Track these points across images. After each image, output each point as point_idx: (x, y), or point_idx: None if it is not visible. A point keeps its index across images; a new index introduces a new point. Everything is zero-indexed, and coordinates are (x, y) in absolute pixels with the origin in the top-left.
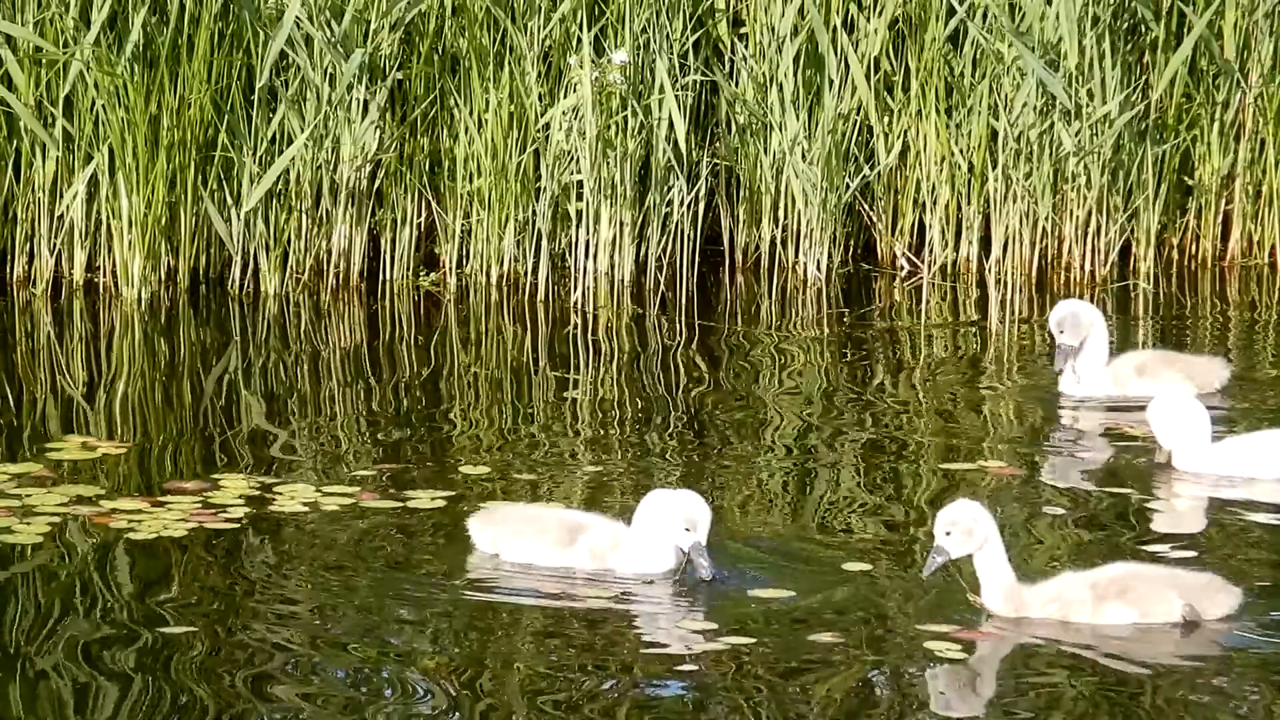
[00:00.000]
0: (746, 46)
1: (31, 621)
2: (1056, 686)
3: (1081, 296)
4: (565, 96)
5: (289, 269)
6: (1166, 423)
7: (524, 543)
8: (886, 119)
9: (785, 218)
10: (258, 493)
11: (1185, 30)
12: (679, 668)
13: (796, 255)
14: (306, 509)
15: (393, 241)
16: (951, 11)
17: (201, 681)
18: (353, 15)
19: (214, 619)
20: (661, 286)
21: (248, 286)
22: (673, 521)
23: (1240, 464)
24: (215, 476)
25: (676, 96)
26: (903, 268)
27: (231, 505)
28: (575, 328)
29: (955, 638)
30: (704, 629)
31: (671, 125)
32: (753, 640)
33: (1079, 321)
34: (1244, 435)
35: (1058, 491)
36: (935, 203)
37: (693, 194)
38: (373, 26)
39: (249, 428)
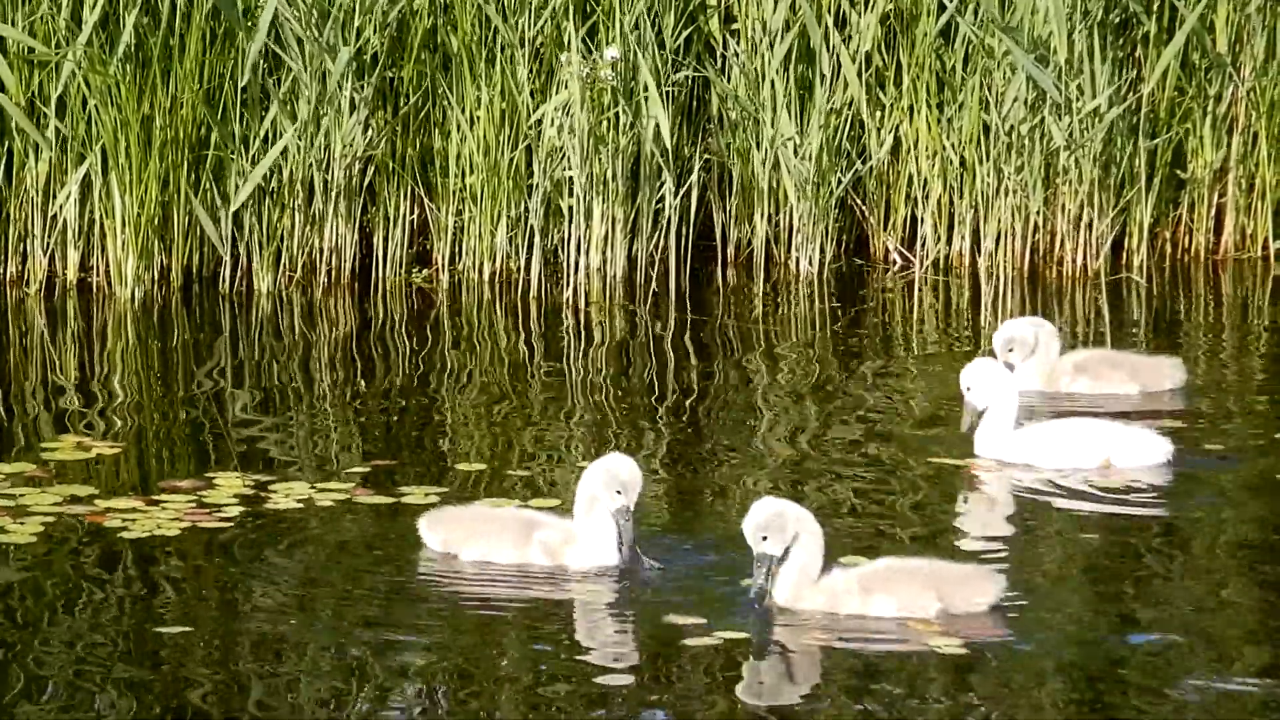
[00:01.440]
0: (738, 42)
1: (25, 622)
2: (837, 679)
3: (1074, 290)
4: (556, 93)
5: (281, 267)
6: (978, 387)
7: (481, 542)
8: (878, 114)
9: (777, 213)
10: (252, 491)
11: (1177, 24)
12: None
13: (789, 250)
14: (301, 506)
15: (385, 239)
16: (942, 7)
17: (196, 681)
18: (340, 14)
19: (209, 618)
20: (654, 282)
21: (240, 285)
22: (605, 487)
23: (1032, 453)
24: (209, 475)
25: (668, 93)
26: (895, 262)
27: (226, 504)
28: (568, 324)
29: (950, 633)
30: (694, 622)
31: (658, 124)
32: (743, 635)
33: (1026, 342)
34: (1044, 423)
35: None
36: (927, 197)
37: (684, 190)
38: (358, 24)
39: (243, 426)
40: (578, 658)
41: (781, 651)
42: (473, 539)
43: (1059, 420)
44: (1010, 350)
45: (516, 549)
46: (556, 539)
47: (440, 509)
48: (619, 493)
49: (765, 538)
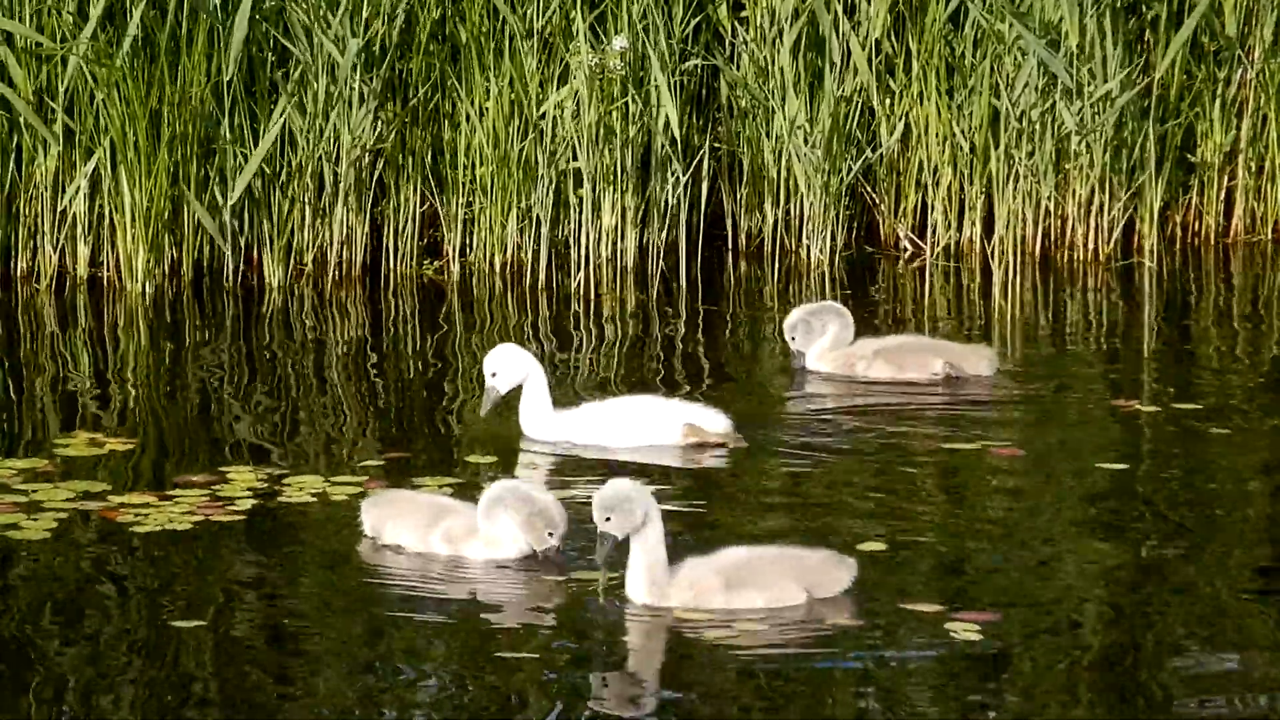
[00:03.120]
0: (747, 30)
1: (39, 618)
2: (711, 678)
3: (1085, 275)
4: (566, 83)
5: (291, 260)
6: (504, 373)
7: (394, 526)
8: (888, 101)
9: (787, 201)
10: (266, 485)
11: (1186, 8)
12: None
13: (799, 239)
14: (315, 500)
15: (395, 231)
16: None
17: (211, 676)
18: (348, 5)
19: (223, 613)
20: (664, 272)
21: (251, 279)
22: (529, 522)
23: (582, 432)
24: (223, 469)
25: (677, 82)
26: (906, 250)
27: (240, 498)
28: (578, 315)
29: (971, 619)
30: (707, 616)
31: (667, 114)
32: (764, 625)
33: (810, 323)
34: (595, 403)
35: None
36: (938, 184)
37: (690, 178)
38: (366, 15)
39: (255, 420)
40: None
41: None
42: (390, 524)
43: (610, 400)
44: (793, 338)
45: (420, 536)
46: (459, 529)
47: (380, 493)
48: (550, 534)
49: (609, 518)
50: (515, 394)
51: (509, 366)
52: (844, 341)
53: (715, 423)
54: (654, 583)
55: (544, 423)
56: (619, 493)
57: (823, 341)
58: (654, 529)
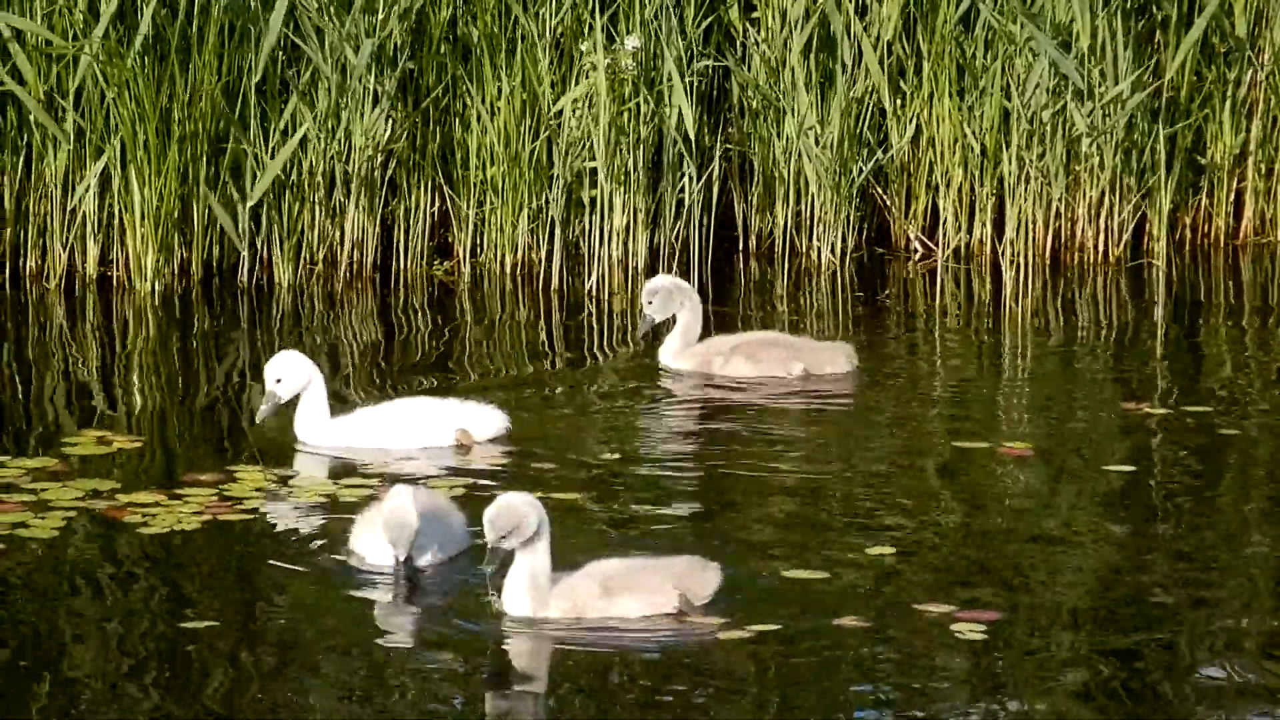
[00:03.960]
0: (758, 31)
1: (46, 616)
2: (603, 685)
3: (1095, 277)
4: (577, 84)
5: (302, 260)
6: (288, 380)
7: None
8: (899, 102)
9: (799, 202)
10: (275, 485)
11: (1196, 9)
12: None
13: (810, 240)
14: (325, 500)
15: (406, 231)
16: None
17: (219, 675)
18: (362, 5)
19: (231, 612)
20: (676, 273)
21: (261, 278)
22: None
23: (357, 437)
24: (231, 468)
25: (689, 83)
26: (916, 251)
27: (248, 498)
28: (589, 315)
29: (978, 619)
30: (723, 618)
31: (680, 114)
32: (777, 626)
33: (670, 297)
34: (369, 407)
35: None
36: (948, 185)
37: (704, 180)
38: (380, 16)
39: (264, 420)
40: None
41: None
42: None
43: (384, 404)
44: (650, 302)
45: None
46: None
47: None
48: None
49: (505, 536)
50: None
51: (292, 373)
52: (693, 330)
53: (489, 423)
54: (537, 594)
55: (320, 429)
56: (512, 506)
57: (673, 335)
58: (544, 541)
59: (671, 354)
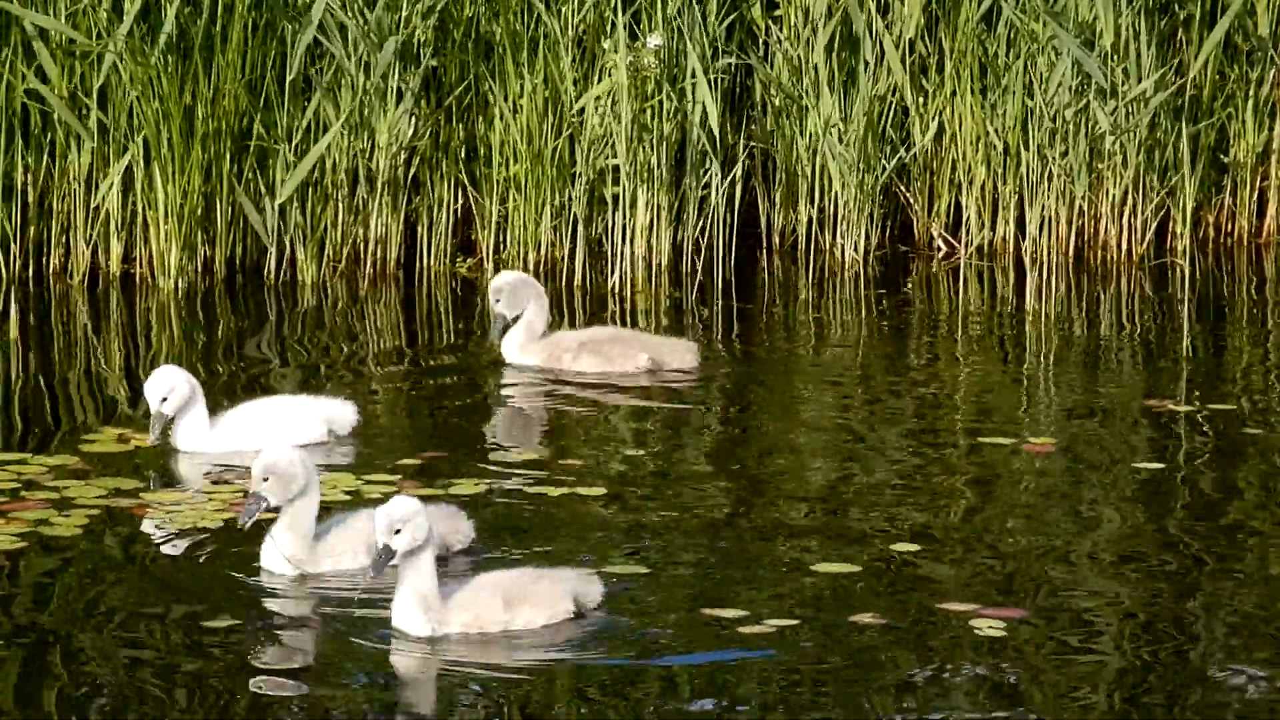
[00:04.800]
0: (781, 29)
1: (69, 614)
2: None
3: (1118, 275)
4: (600, 81)
5: (325, 258)
6: (173, 397)
7: None
8: (921, 100)
9: (821, 200)
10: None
11: (1219, 8)
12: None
13: (833, 237)
14: (348, 498)
15: (429, 228)
16: None
17: (243, 674)
18: (385, 3)
19: (254, 611)
20: (698, 270)
21: (285, 276)
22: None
23: (228, 439)
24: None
25: (712, 80)
26: (939, 249)
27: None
28: (613, 312)
29: (999, 615)
30: (742, 614)
31: (705, 111)
32: (796, 621)
33: (517, 293)
34: (235, 409)
35: None
36: (971, 183)
37: (729, 178)
38: (405, 14)
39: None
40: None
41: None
42: None
43: (249, 404)
44: (498, 300)
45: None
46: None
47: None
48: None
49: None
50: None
51: (175, 389)
52: (537, 326)
53: (344, 417)
54: (428, 610)
55: (201, 437)
56: (406, 509)
57: (517, 329)
58: (428, 554)
59: (517, 348)
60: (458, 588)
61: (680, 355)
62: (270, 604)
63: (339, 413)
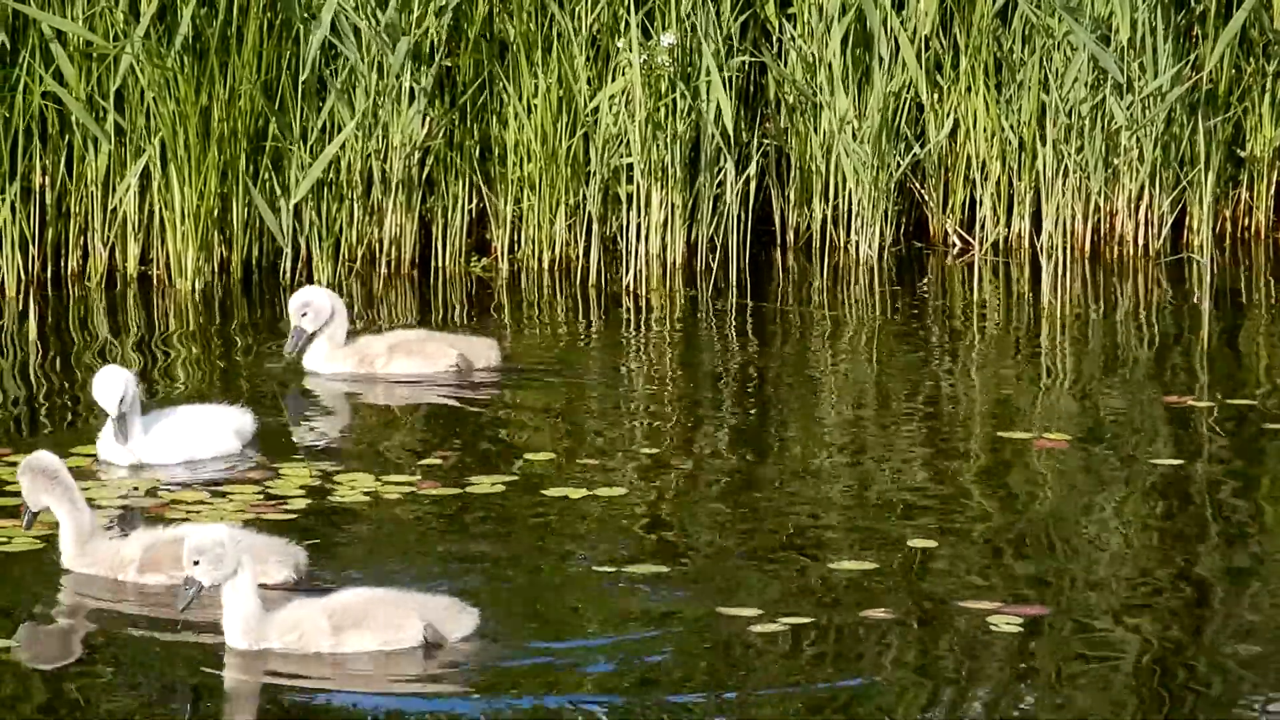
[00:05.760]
0: (795, 27)
1: (88, 615)
2: None
3: (1134, 270)
4: (614, 80)
5: (341, 257)
6: (109, 396)
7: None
8: (936, 96)
9: (836, 197)
10: (318, 483)
11: (1235, 2)
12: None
13: (848, 234)
14: (367, 498)
15: (444, 228)
16: None
17: (265, 675)
18: (399, 3)
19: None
20: (713, 268)
21: (300, 276)
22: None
23: (146, 451)
24: (275, 466)
25: (726, 78)
26: (955, 245)
27: (293, 496)
28: (628, 311)
29: (1017, 612)
30: (757, 612)
31: (719, 108)
32: (809, 619)
33: (323, 308)
34: (148, 417)
35: None
36: (986, 179)
37: (743, 175)
38: (417, 14)
39: (306, 417)
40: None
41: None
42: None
43: (169, 410)
44: (304, 315)
45: None
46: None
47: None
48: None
49: (197, 562)
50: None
51: (128, 392)
52: (339, 338)
53: (245, 426)
54: (248, 631)
55: (135, 446)
56: (214, 539)
57: (319, 342)
58: (245, 577)
59: (324, 358)
60: (297, 603)
61: (485, 353)
62: (100, 604)
63: (243, 424)
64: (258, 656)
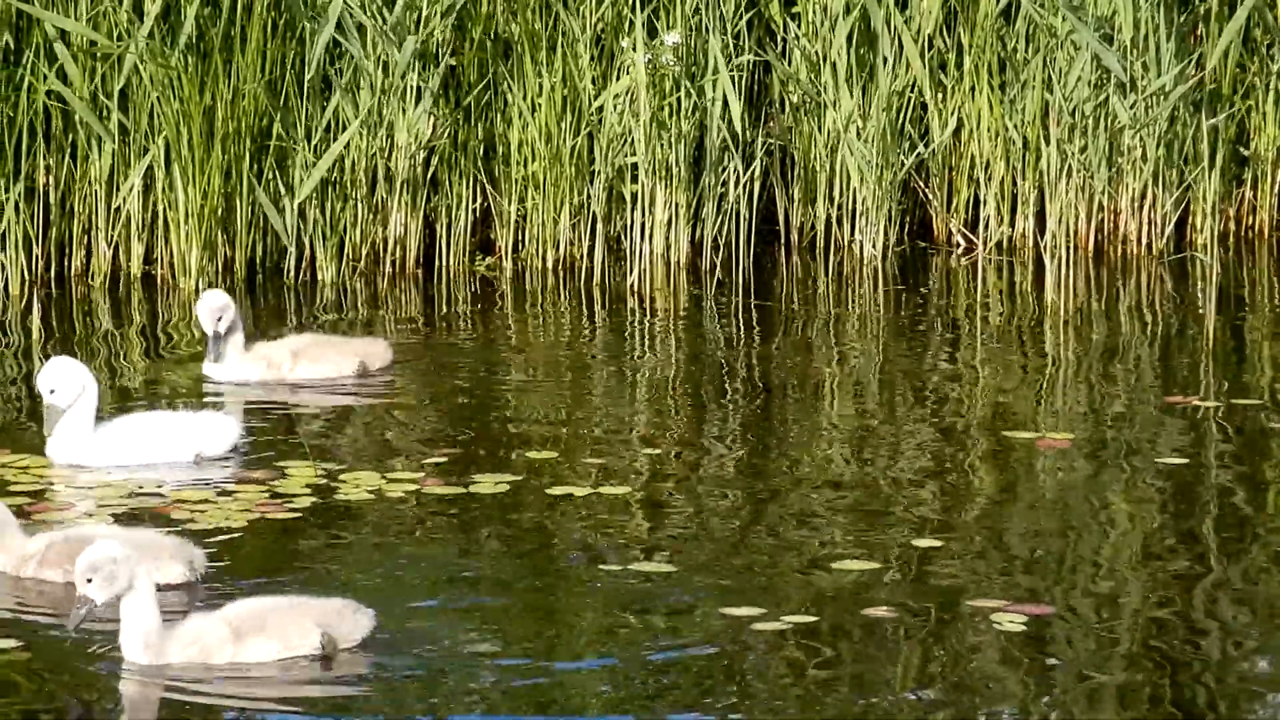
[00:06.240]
0: (799, 26)
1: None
2: None
3: (1138, 269)
4: (618, 79)
5: (345, 257)
6: (61, 388)
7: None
8: (940, 95)
9: (840, 196)
10: (324, 481)
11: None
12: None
13: (852, 234)
14: (371, 497)
15: (448, 227)
16: None
17: (276, 674)
18: (405, 2)
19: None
20: (717, 267)
21: (304, 275)
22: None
23: (112, 454)
24: (281, 465)
25: (730, 76)
26: (959, 244)
27: (298, 495)
28: (632, 310)
29: (1021, 611)
30: (760, 611)
31: (726, 106)
32: (814, 618)
33: (229, 311)
34: (115, 420)
35: None
36: (990, 179)
37: (747, 174)
38: (424, 14)
39: (311, 416)
40: None
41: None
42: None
43: (132, 416)
44: (220, 318)
45: None
46: None
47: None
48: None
49: (90, 579)
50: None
51: (66, 382)
52: (240, 341)
53: (225, 435)
54: (148, 645)
55: (79, 446)
56: (106, 555)
57: (232, 348)
58: (144, 591)
59: (235, 364)
60: (198, 615)
61: (380, 354)
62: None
63: (216, 429)
64: (158, 670)
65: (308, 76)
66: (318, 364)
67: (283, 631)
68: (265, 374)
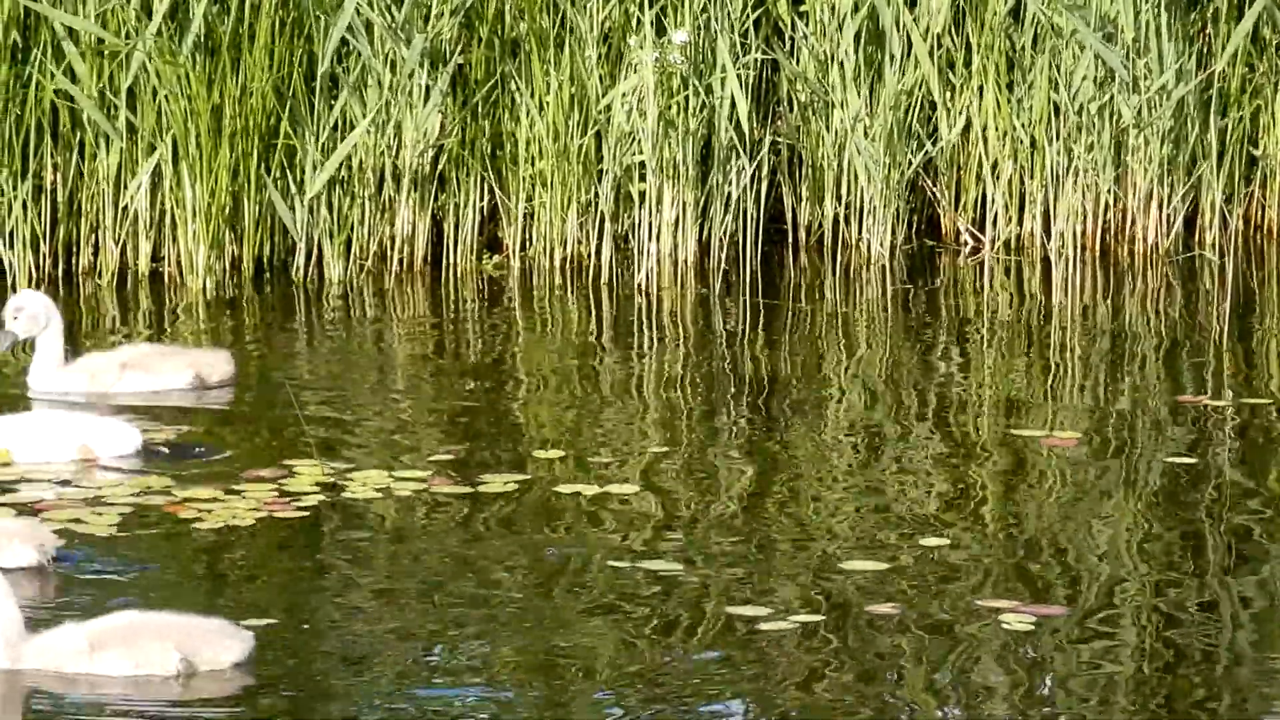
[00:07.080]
0: (807, 24)
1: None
2: None
3: (1146, 269)
4: (626, 78)
5: (353, 255)
6: (21, 319)
7: None
8: (948, 94)
9: (848, 195)
10: (332, 479)
11: (1247, 0)
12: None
13: (860, 232)
14: (380, 495)
15: (456, 226)
16: None
17: (280, 673)
18: (413, 1)
19: (290, 610)
20: (725, 266)
21: (312, 274)
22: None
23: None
24: (289, 463)
25: (738, 75)
26: (966, 243)
27: (306, 493)
28: (640, 309)
29: (1030, 611)
30: (767, 611)
31: (734, 105)
32: (820, 618)
33: (37, 317)
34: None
35: None
36: (997, 178)
37: (755, 173)
38: (433, 11)
39: (318, 414)
40: None
41: None
42: None
43: (23, 414)
44: (16, 318)
45: None
46: None
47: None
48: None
49: None
50: None
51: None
52: (58, 351)
53: (122, 440)
54: (8, 644)
55: (51, 378)
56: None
57: (42, 358)
58: (6, 603)
59: (49, 378)
60: (66, 625)
61: (220, 366)
62: None
63: (112, 433)
64: (13, 674)
65: (320, 71)
66: (149, 374)
67: (142, 649)
68: (89, 387)
